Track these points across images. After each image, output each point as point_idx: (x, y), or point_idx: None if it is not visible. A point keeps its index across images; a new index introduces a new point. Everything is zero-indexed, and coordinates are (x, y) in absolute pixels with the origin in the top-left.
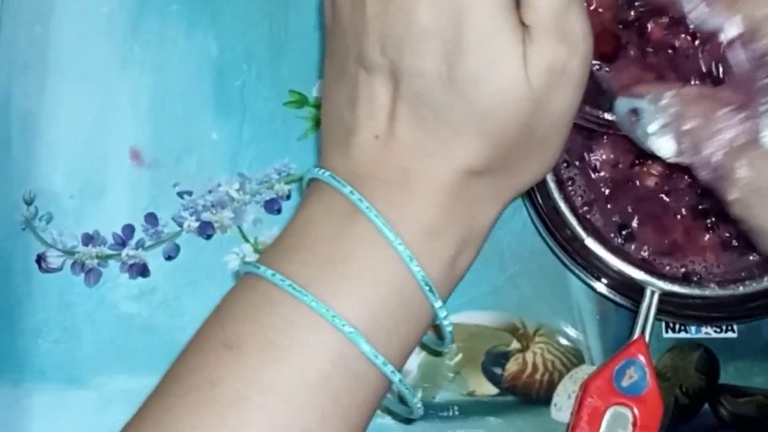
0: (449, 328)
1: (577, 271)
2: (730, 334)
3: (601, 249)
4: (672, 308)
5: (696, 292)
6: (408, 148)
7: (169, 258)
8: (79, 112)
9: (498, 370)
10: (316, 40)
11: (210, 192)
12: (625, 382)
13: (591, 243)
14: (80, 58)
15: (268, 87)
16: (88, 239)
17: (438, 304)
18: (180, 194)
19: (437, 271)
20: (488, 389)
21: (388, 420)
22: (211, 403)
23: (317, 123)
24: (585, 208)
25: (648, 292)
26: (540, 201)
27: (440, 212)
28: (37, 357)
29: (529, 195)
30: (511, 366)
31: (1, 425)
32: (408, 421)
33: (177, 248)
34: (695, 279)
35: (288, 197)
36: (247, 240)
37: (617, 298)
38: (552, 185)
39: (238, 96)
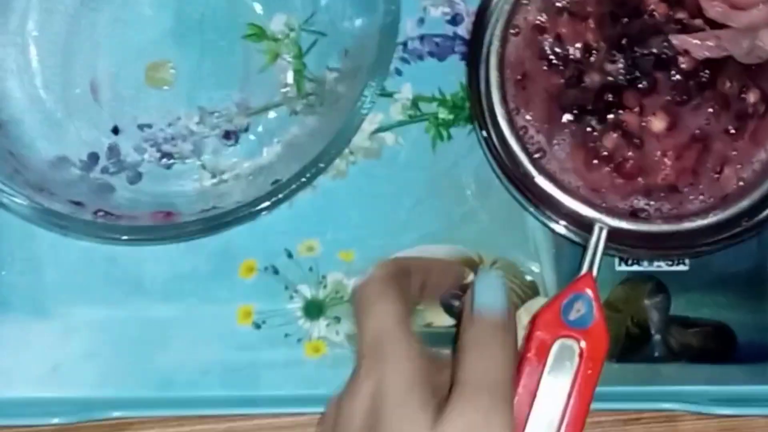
0: None
1: (530, 209)
2: (681, 267)
3: (552, 187)
4: (624, 243)
5: (643, 228)
6: None
7: None
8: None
9: (456, 302)
10: None
11: (170, 125)
12: (572, 316)
13: (541, 181)
14: None
15: (227, 20)
16: None
17: None
18: (140, 127)
19: None
20: (445, 320)
21: (339, 350)
22: None
23: (275, 56)
24: (537, 155)
25: (596, 229)
26: (494, 139)
27: None
28: (1, 288)
29: (483, 133)
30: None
31: None
32: None
33: (139, 176)
34: (643, 216)
35: (246, 129)
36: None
37: (570, 235)
38: (503, 123)
39: (197, 29)
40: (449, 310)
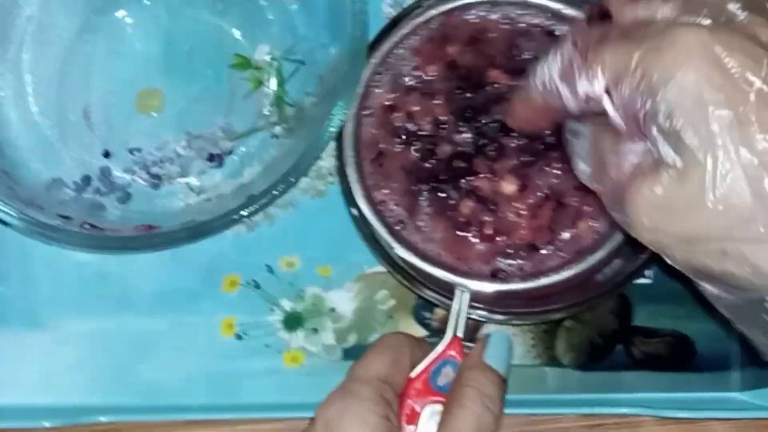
0: None
1: (398, 278)
2: (645, 280)
3: (412, 257)
4: (489, 306)
5: (503, 287)
6: None
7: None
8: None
9: (427, 314)
10: (260, 6)
11: (158, 149)
12: (441, 381)
13: (401, 251)
14: (43, 25)
15: (214, 51)
16: None
17: None
18: (130, 150)
19: None
20: (417, 331)
21: (316, 359)
22: None
23: (258, 84)
24: (398, 227)
25: (457, 293)
26: (359, 215)
27: None
28: None
29: (352, 210)
30: (440, 310)
31: None
32: None
33: (129, 196)
34: (501, 276)
35: (230, 152)
36: (192, 190)
37: (440, 300)
38: (361, 200)
39: (186, 59)
40: (421, 321)
